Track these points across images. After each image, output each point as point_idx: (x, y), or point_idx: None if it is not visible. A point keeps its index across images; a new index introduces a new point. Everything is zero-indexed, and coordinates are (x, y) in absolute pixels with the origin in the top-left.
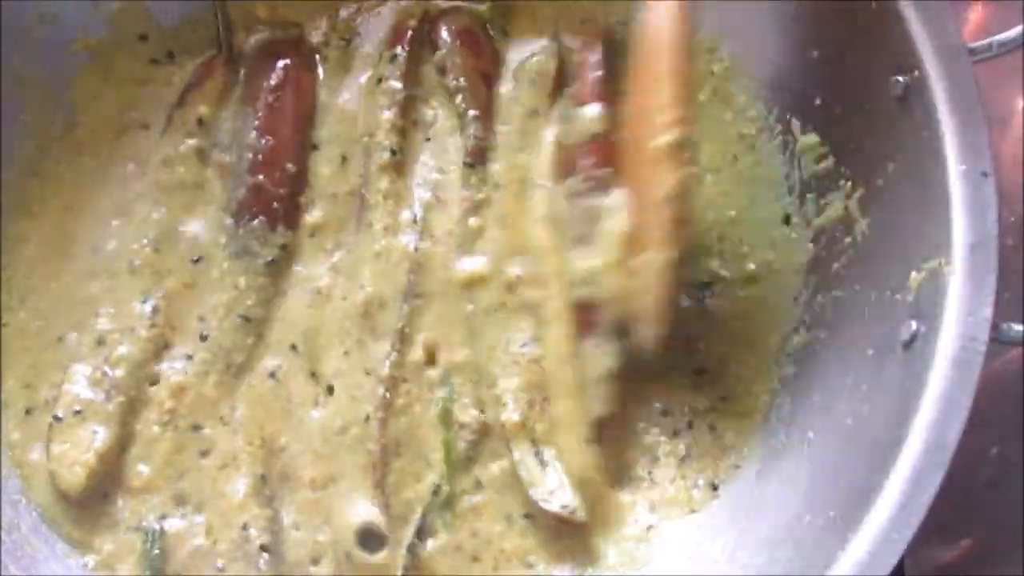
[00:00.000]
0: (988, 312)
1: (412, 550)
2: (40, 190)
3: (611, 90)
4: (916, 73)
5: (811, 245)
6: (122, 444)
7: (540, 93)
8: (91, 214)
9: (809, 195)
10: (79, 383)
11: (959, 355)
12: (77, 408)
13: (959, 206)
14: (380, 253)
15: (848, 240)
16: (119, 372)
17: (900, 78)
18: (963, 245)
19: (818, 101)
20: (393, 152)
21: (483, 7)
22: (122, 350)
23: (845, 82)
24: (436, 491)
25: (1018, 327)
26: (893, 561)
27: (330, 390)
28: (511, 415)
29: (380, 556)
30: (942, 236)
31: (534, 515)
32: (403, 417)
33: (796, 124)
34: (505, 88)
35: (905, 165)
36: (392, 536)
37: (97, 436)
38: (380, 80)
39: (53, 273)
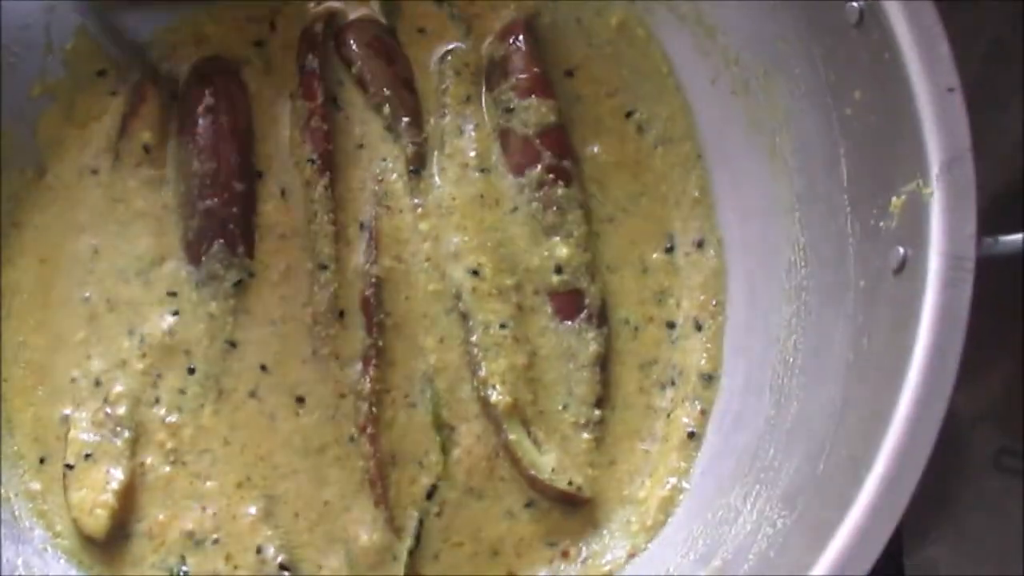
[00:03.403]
0: (971, 228)
1: (412, 554)
2: (19, 241)
3: (548, 82)
4: None
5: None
6: (136, 481)
7: (468, 81)
8: (65, 260)
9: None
10: (83, 428)
11: (949, 275)
12: (87, 452)
13: (929, 124)
14: (326, 264)
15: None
16: (120, 410)
17: (855, 3)
18: (938, 163)
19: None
20: (312, 161)
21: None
22: (119, 388)
23: (799, 19)
24: (430, 494)
25: (1001, 238)
26: (917, 476)
27: (300, 400)
28: (502, 396)
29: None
30: (917, 157)
31: (534, 501)
32: (393, 428)
33: (756, 67)
34: (431, 86)
35: (871, 91)
36: (398, 547)
37: (112, 475)
38: (292, 96)
39: (40, 324)
